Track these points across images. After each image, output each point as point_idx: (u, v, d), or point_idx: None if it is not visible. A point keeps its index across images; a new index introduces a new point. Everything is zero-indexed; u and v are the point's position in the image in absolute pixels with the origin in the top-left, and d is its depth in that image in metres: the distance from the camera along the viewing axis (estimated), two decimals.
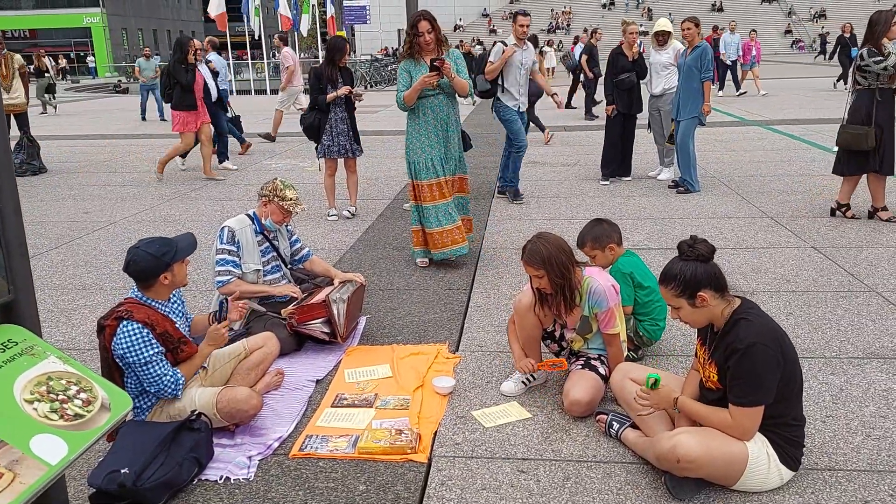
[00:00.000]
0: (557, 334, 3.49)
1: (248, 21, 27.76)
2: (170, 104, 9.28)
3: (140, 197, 8.69)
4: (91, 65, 52.27)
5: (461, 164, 5.55)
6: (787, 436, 2.67)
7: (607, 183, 8.65)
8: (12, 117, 10.47)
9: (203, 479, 2.88)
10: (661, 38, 8.36)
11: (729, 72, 19.78)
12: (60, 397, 1.92)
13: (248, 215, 4.28)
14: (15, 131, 10.50)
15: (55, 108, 20.82)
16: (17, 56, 10.62)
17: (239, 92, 30.75)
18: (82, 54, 53.93)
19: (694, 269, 2.68)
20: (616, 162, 8.78)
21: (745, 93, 19.30)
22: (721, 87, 19.90)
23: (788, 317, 4.35)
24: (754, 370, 2.55)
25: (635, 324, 3.83)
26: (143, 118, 18.40)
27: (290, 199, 4.14)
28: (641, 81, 8.67)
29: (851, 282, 4.92)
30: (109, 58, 53.62)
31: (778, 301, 4.62)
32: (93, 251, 6.33)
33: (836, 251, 5.62)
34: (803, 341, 4.01)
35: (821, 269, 5.22)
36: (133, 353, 2.96)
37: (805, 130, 12.60)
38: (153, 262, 3.06)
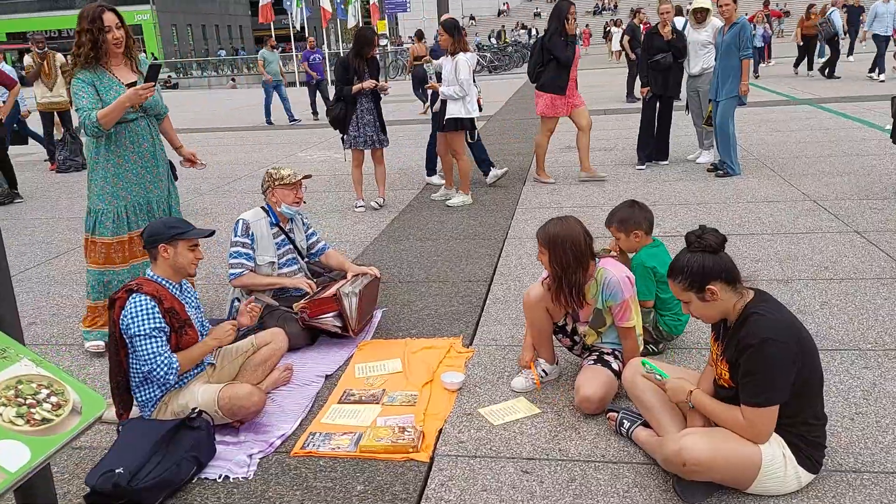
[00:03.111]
0: (569, 328, 3.36)
1: (291, 14, 28.06)
2: (536, 84, 7.67)
3: None
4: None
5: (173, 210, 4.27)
6: (805, 436, 2.50)
7: (643, 167, 8.41)
8: (55, 114, 10.73)
9: (203, 477, 2.85)
10: (700, 16, 8.06)
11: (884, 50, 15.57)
12: (29, 401, 1.88)
13: (263, 208, 4.26)
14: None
15: None
16: (59, 55, 10.86)
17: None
18: None
19: (702, 261, 2.53)
20: (652, 145, 8.53)
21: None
22: (874, 69, 15.74)
23: (823, 306, 4.13)
24: (767, 368, 2.39)
25: (656, 318, 3.67)
26: (269, 121, 15.65)
27: (289, 175, 4.14)
28: (680, 62, 8.37)
29: (895, 268, 4.65)
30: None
31: (814, 289, 4.39)
32: None
33: (880, 235, 5.32)
34: (837, 332, 3.79)
35: (863, 254, 4.95)
36: (136, 324, 2.96)
37: (858, 108, 12.06)
38: (161, 230, 3.18)
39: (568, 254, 3.05)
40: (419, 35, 15.83)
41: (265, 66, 15.32)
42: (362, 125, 6.75)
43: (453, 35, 6.73)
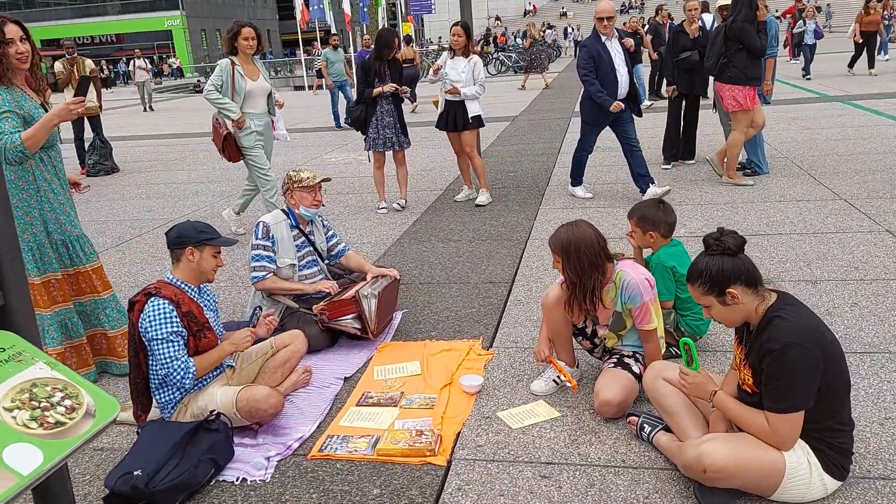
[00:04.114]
0: (589, 330, 3.31)
1: (324, 16, 28.28)
2: (723, 77, 6.94)
3: (202, 194, 8.88)
4: (175, 65, 53.60)
5: (85, 246, 3.77)
6: (831, 442, 2.43)
7: (669, 167, 8.30)
8: (86, 119, 10.90)
9: (221, 479, 2.86)
10: (726, 13, 7.92)
11: None
12: (43, 404, 1.89)
13: (284, 210, 4.28)
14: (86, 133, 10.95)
15: None
16: (89, 61, 11.02)
17: (311, 87, 31.49)
18: (164, 56, 55.90)
19: (721, 265, 2.47)
20: (678, 145, 8.42)
21: None
22: None
23: (853, 308, 4.02)
24: (790, 373, 2.32)
25: (677, 318, 3.61)
26: (339, 124, 14.52)
27: (308, 178, 4.16)
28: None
29: None
30: (189, 59, 55.42)
31: (843, 290, 4.28)
32: (150, 248, 6.48)
33: None
34: (867, 334, 3.69)
35: (894, 254, 4.82)
36: (154, 328, 2.99)
37: (891, 105, 11.79)
38: (190, 232, 3.19)
39: (583, 260, 3.01)
40: (408, 40, 16.87)
41: (329, 66, 14.58)
42: (382, 127, 6.77)
43: (470, 37, 6.80)
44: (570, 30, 43.95)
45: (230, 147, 6.08)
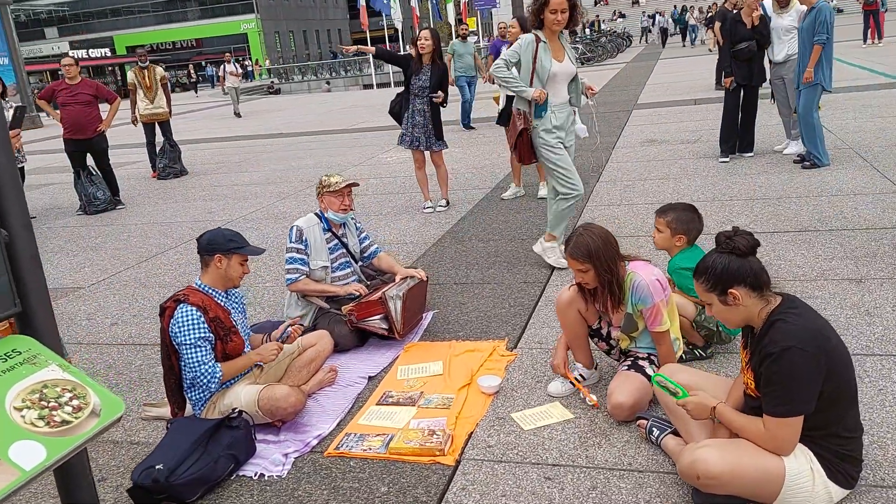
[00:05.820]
0: (604, 332, 3.31)
1: (390, 14, 28.68)
2: None
3: (260, 195, 9.17)
4: (265, 66, 54.43)
5: None
6: (836, 449, 2.37)
7: (727, 160, 8.08)
8: (156, 125, 11.39)
9: (241, 474, 3.00)
10: (783, 0, 7.67)
11: None
12: (51, 404, 2.05)
13: (317, 214, 4.41)
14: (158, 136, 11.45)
15: None
16: (159, 69, 11.52)
17: (379, 85, 32.01)
18: (241, 59, 57.64)
19: (727, 264, 2.44)
20: (736, 137, 8.19)
21: None
22: None
23: (895, 309, 3.87)
24: (788, 377, 2.28)
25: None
26: (466, 124, 13.16)
27: (336, 182, 4.26)
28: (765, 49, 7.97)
29: None
30: (264, 61, 57.00)
31: (888, 290, 4.11)
32: None
33: None
34: None
35: None
36: (182, 334, 3.15)
37: None
38: (219, 240, 3.33)
39: (612, 255, 3.06)
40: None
41: (456, 59, 12.88)
42: (412, 125, 6.83)
43: (526, 29, 6.79)
44: (658, 17, 42.34)
45: (523, 145, 4.94)
